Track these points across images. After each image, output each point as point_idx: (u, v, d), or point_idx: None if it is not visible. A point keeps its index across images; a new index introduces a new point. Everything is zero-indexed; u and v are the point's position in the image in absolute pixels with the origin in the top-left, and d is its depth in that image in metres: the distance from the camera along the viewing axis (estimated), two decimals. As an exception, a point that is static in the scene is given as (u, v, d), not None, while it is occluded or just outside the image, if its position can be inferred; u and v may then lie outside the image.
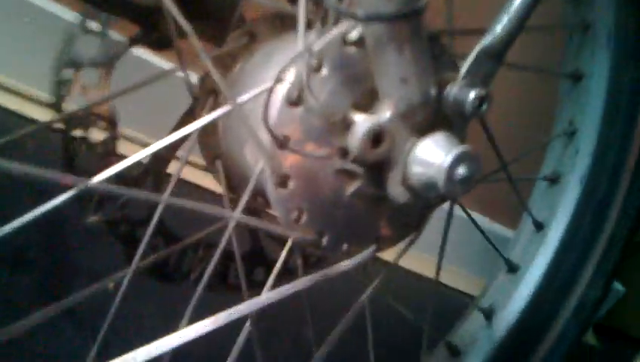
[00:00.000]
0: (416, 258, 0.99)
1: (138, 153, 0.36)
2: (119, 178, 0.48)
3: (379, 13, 0.32)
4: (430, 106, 0.35)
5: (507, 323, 0.64)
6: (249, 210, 0.53)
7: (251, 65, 0.45)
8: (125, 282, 0.42)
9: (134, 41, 0.47)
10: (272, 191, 0.38)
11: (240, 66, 0.46)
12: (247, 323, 0.47)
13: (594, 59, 0.61)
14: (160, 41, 0.49)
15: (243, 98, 0.36)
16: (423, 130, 0.35)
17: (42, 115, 0.86)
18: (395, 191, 0.37)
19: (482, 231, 0.61)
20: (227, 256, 0.57)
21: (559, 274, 0.64)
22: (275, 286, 0.55)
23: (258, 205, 0.48)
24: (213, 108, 0.46)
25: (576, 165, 0.63)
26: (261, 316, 0.42)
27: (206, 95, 0.46)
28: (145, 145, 0.50)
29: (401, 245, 0.46)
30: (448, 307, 0.65)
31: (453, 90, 0.35)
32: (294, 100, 0.37)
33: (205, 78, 0.46)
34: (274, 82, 0.36)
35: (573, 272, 0.64)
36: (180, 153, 0.49)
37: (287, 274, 0.61)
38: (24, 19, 0.85)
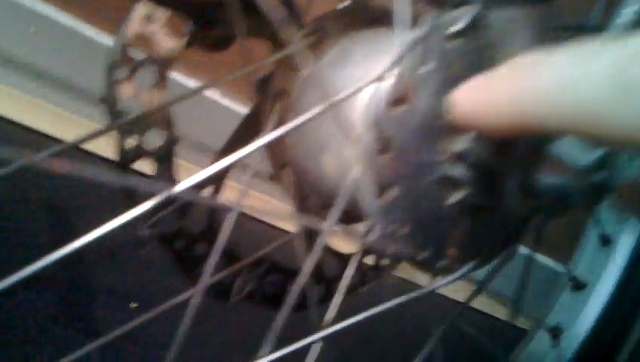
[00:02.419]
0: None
1: (220, 162, 0.31)
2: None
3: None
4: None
5: (576, 342, 0.59)
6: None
7: (327, 65, 0.41)
8: (195, 302, 0.37)
9: (192, 40, 0.43)
10: (370, 201, 0.33)
11: (311, 67, 0.42)
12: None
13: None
14: (218, 40, 0.45)
15: (339, 97, 0.32)
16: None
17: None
18: (515, 200, 0.32)
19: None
20: (284, 272, 0.52)
21: (629, 289, 0.60)
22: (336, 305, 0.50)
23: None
24: (284, 110, 0.42)
25: (646, 173, 0.60)
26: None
27: (272, 97, 0.42)
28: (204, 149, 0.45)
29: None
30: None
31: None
32: (398, 99, 0.32)
33: (272, 77, 0.42)
34: (377, 78, 0.32)
35: (645, 287, 0.60)
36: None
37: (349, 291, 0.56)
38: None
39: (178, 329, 0.37)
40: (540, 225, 0.41)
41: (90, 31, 0.83)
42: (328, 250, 0.54)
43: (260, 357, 0.35)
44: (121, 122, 0.39)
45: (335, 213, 0.34)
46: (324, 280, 0.54)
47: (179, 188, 0.29)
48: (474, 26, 0.33)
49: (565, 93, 0.22)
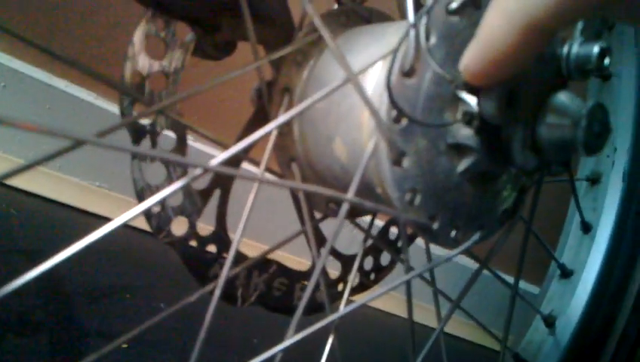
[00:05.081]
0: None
1: (242, 142, 0.33)
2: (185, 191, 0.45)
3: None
4: (555, 64, 0.34)
5: (570, 328, 0.62)
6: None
7: (327, 60, 0.44)
8: (212, 307, 0.38)
9: (198, 47, 0.45)
10: (387, 170, 0.36)
11: (313, 62, 0.45)
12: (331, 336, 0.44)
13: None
14: (222, 46, 0.47)
15: (358, 70, 0.35)
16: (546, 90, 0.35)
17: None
18: (522, 156, 0.35)
19: (540, 240, 0.59)
20: (291, 275, 0.53)
21: (614, 273, 0.63)
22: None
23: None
24: (289, 106, 0.44)
25: (616, 163, 0.64)
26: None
27: (280, 94, 0.44)
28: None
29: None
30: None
31: (574, 47, 0.34)
32: (408, 71, 0.35)
33: (278, 77, 0.45)
34: (390, 52, 0.35)
35: (628, 270, 0.64)
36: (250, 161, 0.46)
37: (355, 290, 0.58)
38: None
39: (200, 331, 0.37)
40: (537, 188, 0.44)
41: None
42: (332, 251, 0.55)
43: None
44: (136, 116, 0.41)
45: (355, 182, 0.36)
46: (326, 281, 0.55)
47: (214, 161, 0.31)
48: (472, 3, 0.36)
49: None
